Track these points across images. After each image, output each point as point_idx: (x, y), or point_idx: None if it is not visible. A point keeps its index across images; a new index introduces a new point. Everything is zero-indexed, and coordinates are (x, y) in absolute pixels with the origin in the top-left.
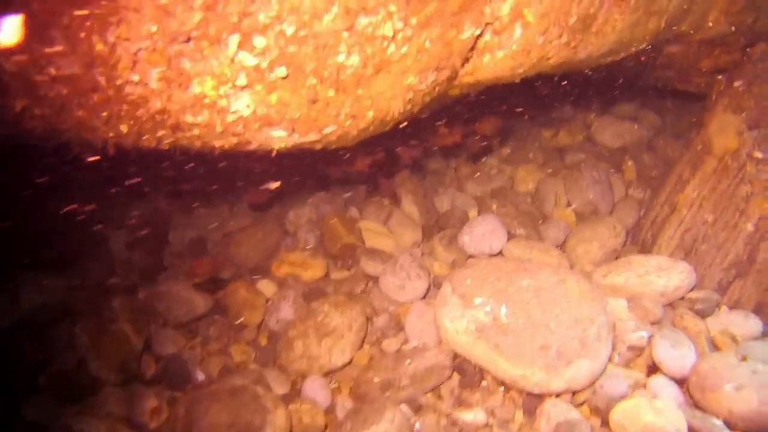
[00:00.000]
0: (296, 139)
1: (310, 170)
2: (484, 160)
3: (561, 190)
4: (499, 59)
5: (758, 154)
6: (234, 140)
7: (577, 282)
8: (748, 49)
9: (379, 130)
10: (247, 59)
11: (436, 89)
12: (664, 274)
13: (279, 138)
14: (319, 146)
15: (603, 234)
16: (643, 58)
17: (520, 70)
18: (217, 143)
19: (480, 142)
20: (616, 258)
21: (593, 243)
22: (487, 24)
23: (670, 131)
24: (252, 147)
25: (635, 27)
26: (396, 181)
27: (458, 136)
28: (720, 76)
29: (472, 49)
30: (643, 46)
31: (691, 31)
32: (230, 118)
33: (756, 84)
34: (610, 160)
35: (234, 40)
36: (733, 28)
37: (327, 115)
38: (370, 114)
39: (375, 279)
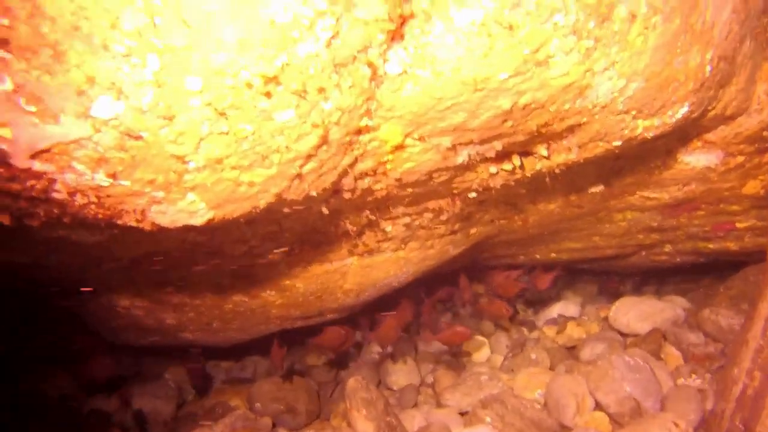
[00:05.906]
0: None
1: None
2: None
3: (583, 390)
4: None
5: None
6: None
7: None
8: None
9: None
10: None
11: None
12: None
13: None
14: None
15: None
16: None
17: None
18: None
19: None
20: None
21: None
22: None
23: (711, 305)
24: None
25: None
26: (345, 389)
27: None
28: None
29: None
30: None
31: (735, 114)
32: None
33: None
34: (642, 347)
35: None
36: None
37: None
38: None
39: None
